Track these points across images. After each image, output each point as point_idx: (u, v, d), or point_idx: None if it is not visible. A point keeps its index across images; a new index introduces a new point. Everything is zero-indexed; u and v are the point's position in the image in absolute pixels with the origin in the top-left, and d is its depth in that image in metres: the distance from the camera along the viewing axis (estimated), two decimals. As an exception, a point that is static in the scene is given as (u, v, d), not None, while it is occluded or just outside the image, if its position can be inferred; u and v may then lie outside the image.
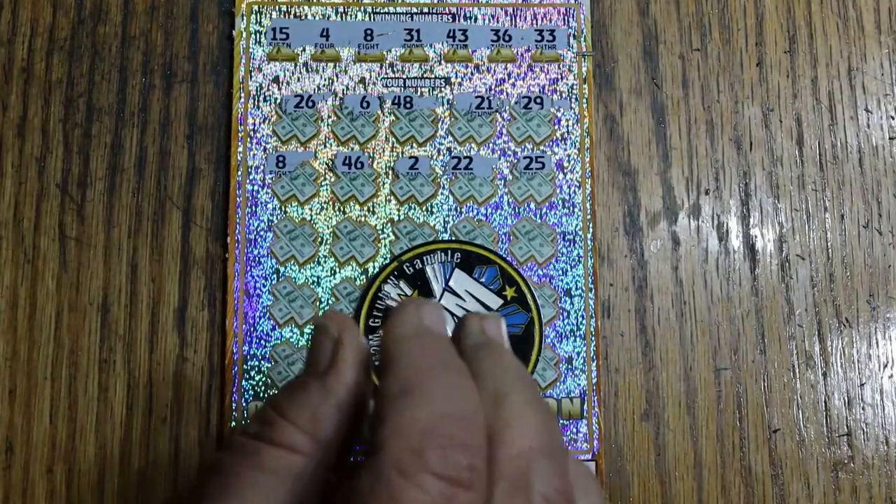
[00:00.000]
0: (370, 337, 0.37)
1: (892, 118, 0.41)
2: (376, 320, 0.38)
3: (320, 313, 0.38)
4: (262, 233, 0.38)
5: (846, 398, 0.38)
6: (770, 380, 0.38)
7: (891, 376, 0.38)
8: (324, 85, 0.40)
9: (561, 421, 0.37)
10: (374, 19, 0.40)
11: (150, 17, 0.40)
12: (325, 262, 0.38)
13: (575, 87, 0.40)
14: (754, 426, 0.38)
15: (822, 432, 0.38)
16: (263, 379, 0.37)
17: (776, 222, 0.40)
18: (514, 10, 0.41)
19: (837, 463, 0.38)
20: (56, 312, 0.38)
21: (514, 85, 0.40)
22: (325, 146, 0.39)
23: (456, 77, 0.40)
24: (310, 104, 0.40)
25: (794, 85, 0.41)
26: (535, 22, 0.41)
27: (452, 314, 0.38)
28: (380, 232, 0.39)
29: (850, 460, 0.38)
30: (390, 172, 0.39)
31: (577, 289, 0.38)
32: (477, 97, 0.40)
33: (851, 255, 0.39)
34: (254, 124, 0.39)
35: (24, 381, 0.37)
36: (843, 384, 0.38)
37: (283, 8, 0.40)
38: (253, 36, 0.40)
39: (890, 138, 0.41)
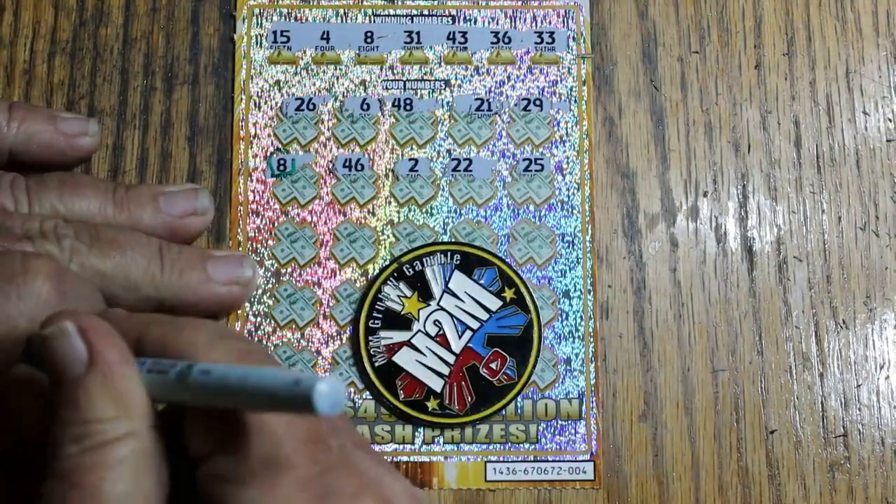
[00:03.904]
0: (370, 338, 0.38)
1: (890, 120, 0.41)
2: (376, 321, 0.38)
3: (321, 315, 0.38)
4: (262, 235, 0.39)
5: (843, 399, 0.38)
6: (767, 381, 0.38)
7: (887, 377, 0.39)
8: (324, 87, 0.40)
9: (559, 422, 0.38)
10: (374, 21, 0.41)
11: (151, 19, 0.40)
12: (325, 263, 0.39)
13: (574, 89, 0.40)
14: (751, 427, 0.38)
15: (819, 433, 0.38)
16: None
17: (774, 224, 0.40)
18: (513, 13, 0.41)
19: (834, 464, 0.38)
20: (58, 313, 0.38)
21: (513, 87, 0.40)
22: (326, 148, 0.39)
23: (456, 79, 0.40)
24: (310, 107, 0.40)
25: (793, 87, 0.41)
26: (534, 24, 0.41)
27: (452, 315, 0.38)
28: (380, 234, 0.39)
29: (847, 461, 0.38)
30: (390, 174, 0.39)
31: (575, 290, 0.39)
32: (476, 99, 0.40)
33: (849, 256, 0.40)
34: (255, 126, 0.39)
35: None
36: (840, 385, 0.39)
37: (284, 11, 0.40)
38: (254, 39, 0.40)
39: (887, 140, 0.41)
